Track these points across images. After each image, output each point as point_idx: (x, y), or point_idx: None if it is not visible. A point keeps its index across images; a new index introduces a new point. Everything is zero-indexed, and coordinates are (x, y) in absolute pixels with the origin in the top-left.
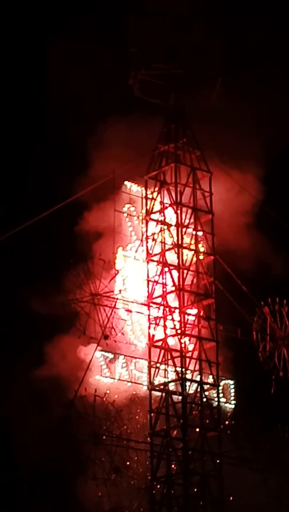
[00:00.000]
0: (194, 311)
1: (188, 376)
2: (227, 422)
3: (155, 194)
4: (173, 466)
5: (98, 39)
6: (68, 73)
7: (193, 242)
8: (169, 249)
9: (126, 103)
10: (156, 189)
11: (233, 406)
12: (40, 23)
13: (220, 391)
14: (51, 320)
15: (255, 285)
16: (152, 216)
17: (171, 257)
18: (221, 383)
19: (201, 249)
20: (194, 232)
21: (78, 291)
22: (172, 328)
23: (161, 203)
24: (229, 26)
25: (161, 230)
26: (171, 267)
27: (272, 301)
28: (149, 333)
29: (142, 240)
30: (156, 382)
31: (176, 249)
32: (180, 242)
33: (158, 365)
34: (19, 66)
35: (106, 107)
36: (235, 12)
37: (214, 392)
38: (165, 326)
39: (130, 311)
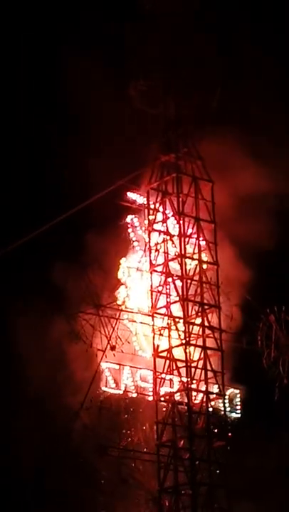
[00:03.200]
0: (199, 320)
1: (194, 386)
2: (232, 432)
3: (157, 205)
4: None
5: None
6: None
7: (196, 251)
8: (173, 259)
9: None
10: (159, 199)
11: (239, 415)
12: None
13: (226, 400)
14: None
15: (259, 293)
16: (155, 226)
17: (175, 267)
18: (227, 392)
19: (205, 259)
20: (197, 242)
21: (81, 304)
22: (177, 339)
23: (164, 213)
24: (228, 34)
25: (164, 241)
26: (174, 277)
27: (278, 309)
28: (153, 344)
29: (144, 251)
30: (161, 393)
31: (179, 259)
32: (183, 252)
33: (163, 375)
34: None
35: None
36: (234, 20)
37: (220, 401)
38: (170, 336)
39: (135, 322)
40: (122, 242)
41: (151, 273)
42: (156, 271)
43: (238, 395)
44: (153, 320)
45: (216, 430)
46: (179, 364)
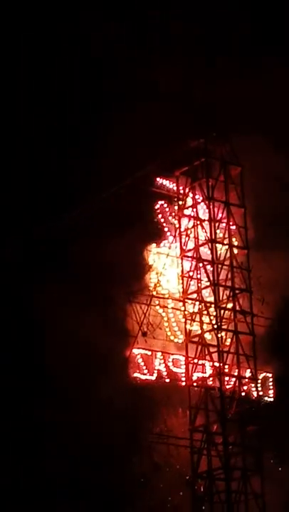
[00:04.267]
0: (230, 305)
1: (226, 371)
2: (265, 416)
3: (187, 190)
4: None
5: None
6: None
7: (226, 236)
8: (203, 244)
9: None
10: (188, 185)
11: (271, 399)
12: None
13: (258, 385)
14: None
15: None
16: (185, 212)
17: (205, 252)
18: (260, 377)
19: (235, 243)
20: (227, 227)
21: (113, 290)
22: (208, 323)
23: (193, 198)
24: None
25: (194, 226)
26: (205, 262)
27: None
28: (185, 329)
29: (175, 236)
30: (194, 378)
31: (209, 244)
32: (213, 237)
33: (195, 360)
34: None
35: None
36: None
37: (253, 385)
38: (201, 322)
39: (166, 307)
40: (152, 228)
41: (182, 258)
42: (186, 256)
43: (271, 379)
44: (184, 305)
45: (248, 414)
46: (211, 349)
